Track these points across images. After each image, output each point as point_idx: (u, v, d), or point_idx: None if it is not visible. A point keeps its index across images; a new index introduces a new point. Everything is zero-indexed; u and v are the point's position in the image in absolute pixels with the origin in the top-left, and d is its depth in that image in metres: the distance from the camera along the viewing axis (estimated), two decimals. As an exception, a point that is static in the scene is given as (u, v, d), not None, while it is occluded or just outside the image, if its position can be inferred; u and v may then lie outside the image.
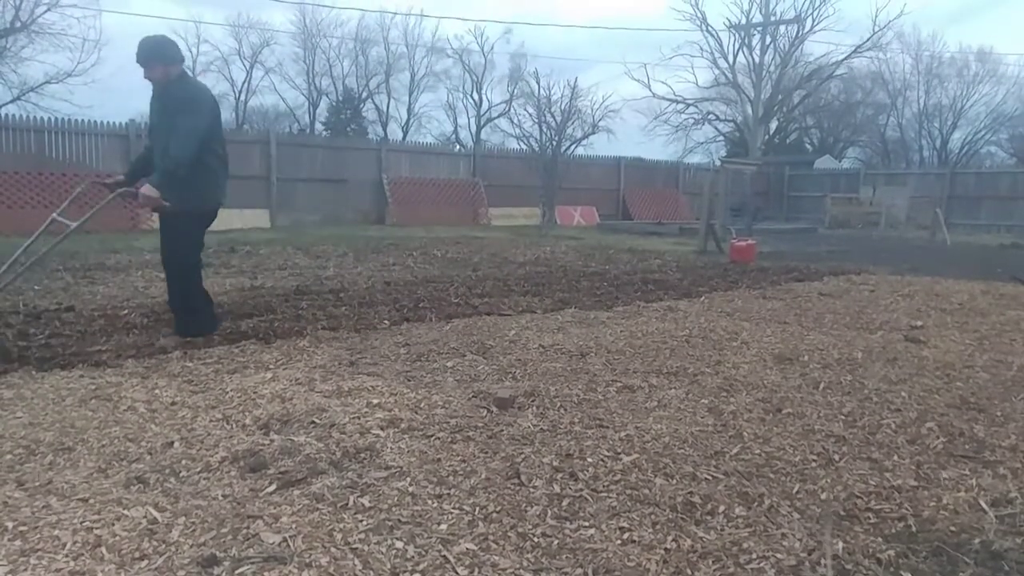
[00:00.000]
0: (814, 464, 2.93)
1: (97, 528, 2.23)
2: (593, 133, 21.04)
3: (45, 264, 5.70)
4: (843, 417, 3.52)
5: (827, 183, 27.60)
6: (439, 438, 3.09)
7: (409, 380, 3.97)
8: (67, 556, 2.08)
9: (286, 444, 2.94)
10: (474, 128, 43.08)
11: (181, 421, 3.24)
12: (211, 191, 4.90)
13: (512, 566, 2.12)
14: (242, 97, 41.99)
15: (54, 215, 4.93)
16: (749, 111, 29.19)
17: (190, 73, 5.14)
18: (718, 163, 23.81)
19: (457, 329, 5.38)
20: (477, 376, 4.10)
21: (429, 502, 2.49)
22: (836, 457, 3.01)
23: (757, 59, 28.66)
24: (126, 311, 5.86)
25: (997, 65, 38.75)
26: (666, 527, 2.37)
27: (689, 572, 2.13)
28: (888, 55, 34.09)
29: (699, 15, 29.19)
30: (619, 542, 2.27)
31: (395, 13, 51.69)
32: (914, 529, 2.42)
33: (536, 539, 2.27)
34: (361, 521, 2.34)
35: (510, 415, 3.40)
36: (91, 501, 2.42)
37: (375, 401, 3.51)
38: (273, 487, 2.58)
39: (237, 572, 2.02)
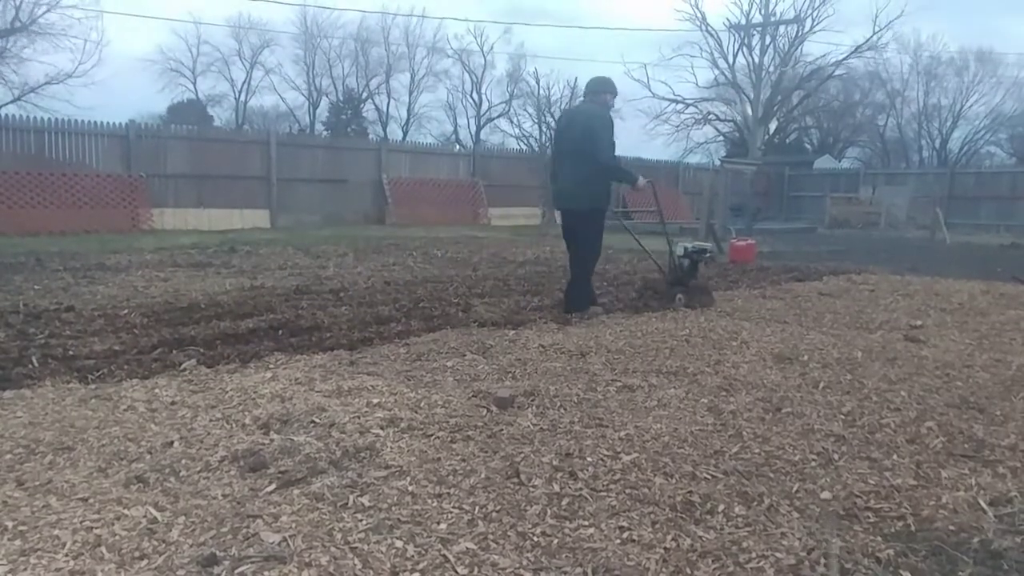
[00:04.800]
0: (814, 463, 2.93)
1: (97, 527, 2.23)
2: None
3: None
4: (843, 416, 3.52)
5: (827, 183, 27.59)
6: (439, 437, 3.09)
7: (409, 379, 3.97)
8: (67, 555, 2.08)
9: (286, 443, 2.93)
10: (474, 128, 43.14)
11: (181, 420, 3.24)
12: None
13: (512, 565, 2.12)
14: (242, 97, 42.15)
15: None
16: (749, 111, 29.18)
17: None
18: (718, 163, 23.81)
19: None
20: (477, 375, 4.10)
21: (429, 501, 2.49)
22: (836, 456, 3.01)
23: (757, 59, 28.68)
24: (126, 311, 5.86)
25: (997, 65, 38.76)
26: (666, 526, 2.37)
27: (689, 571, 2.13)
28: (887, 55, 34.10)
29: (699, 15, 29.26)
30: (619, 541, 2.26)
31: (396, 14, 51.72)
32: (913, 528, 2.42)
33: (536, 538, 2.27)
34: (361, 520, 2.34)
35: (510, 414, 3.40)
36: (91, 500, 2.42)
37: (375, 400, 3.51)
38: (273, 486, 2.58)
39: (237, 571, 2.02)
